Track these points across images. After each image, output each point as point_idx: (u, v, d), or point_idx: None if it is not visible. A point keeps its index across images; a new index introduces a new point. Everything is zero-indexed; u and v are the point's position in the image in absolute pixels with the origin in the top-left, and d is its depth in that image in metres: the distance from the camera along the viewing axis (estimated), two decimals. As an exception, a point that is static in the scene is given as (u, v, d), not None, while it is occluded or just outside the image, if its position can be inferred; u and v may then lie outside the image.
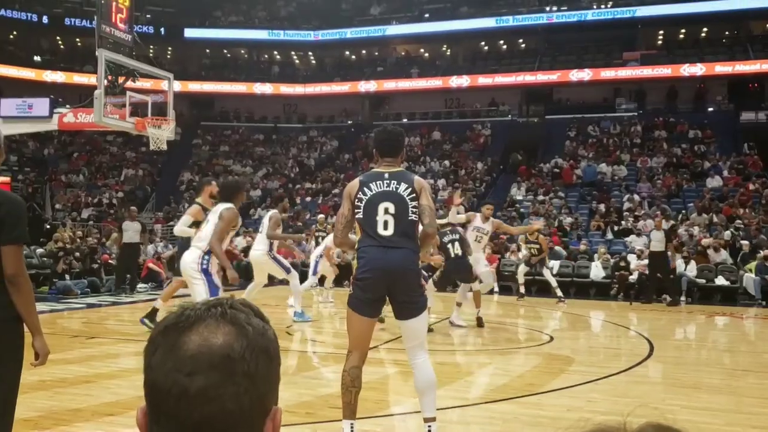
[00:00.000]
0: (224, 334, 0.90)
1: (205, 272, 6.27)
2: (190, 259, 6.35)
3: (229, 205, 6.41)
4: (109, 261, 16.14)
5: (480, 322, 10.04)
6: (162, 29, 32.68)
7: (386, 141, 4.43)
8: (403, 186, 4.19)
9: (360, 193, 4.22)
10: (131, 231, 14.71)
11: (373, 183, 4.24)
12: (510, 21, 30.89)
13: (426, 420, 4.23)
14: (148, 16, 31.74)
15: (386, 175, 4.26)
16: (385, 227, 4.14)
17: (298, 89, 33.47)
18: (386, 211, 4.13)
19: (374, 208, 4.16)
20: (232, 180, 7.72)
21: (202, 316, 0.91)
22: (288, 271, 10.00)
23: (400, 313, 4.19)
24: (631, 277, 15.56)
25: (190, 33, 33.44)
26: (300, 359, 6.92)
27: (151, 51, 32.52)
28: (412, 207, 4.16)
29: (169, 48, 35.12)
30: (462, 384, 6.26)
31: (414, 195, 4.17)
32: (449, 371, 6.71)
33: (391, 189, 4.19)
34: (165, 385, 0.87)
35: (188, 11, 33.99)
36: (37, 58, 32.32)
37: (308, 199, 25.55)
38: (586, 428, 0.79)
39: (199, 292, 6.18)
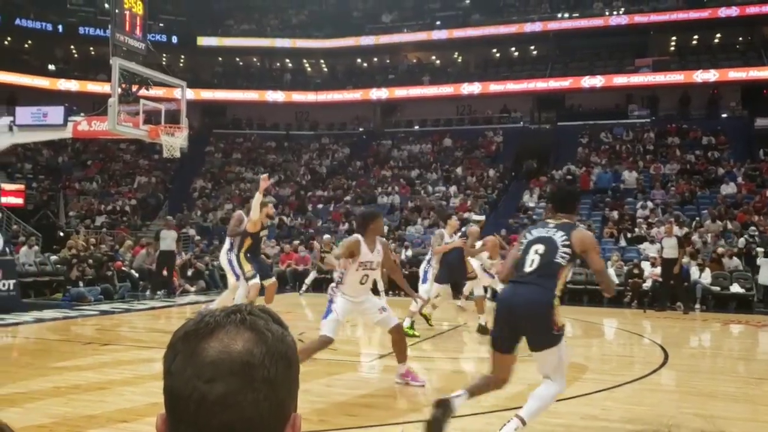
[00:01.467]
0: (244, 341, 0.89)
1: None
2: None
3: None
4: (122, 268, 16.26)
5: (484, 330, 9.90)
6: (175, 38, 32.93)
7: (563, 198, 4.77)
8: (560, 233, 4.42)
9: (523, 237, 4.60)
10: (168, 239, 15.51)
11: (536, 229, 4.55)
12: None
13: (517, 415, 4.52)
14: (161, 24, 31.99)
15: (551, 224, 4.53)
16: (531, 265, 4.38)
17: (309, 97, 33.61)
18: (536, 251, 4.39)
19: (528, 249, 4.43)
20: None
21: (221, 322, 0.91)
22: (238, 278, 9.56)
23: (529, 343, 4.50)
24: (644, 284, 15.45)
25: (202, 41, 33.69)
26: (313, 366, 6.90)
27: (164, 59, 32.76)
28: (563, 252, 4.35)
29: (182, 56, 35.37)
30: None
31: (568, 242, 4.37)
32: (462, 379, 6.68)
33: (548, 235, 4.44)
34: (184, 392, 0.87)
35: (201, 20, 34.24)
36: (51, 67, 32.62)
37: (320, 206, 25.59)
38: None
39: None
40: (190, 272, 17.18)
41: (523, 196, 23.63)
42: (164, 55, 32.87)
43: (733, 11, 27.95)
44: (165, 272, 15.70)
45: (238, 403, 0.86)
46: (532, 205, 22.74)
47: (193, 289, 16.42)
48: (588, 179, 23.56)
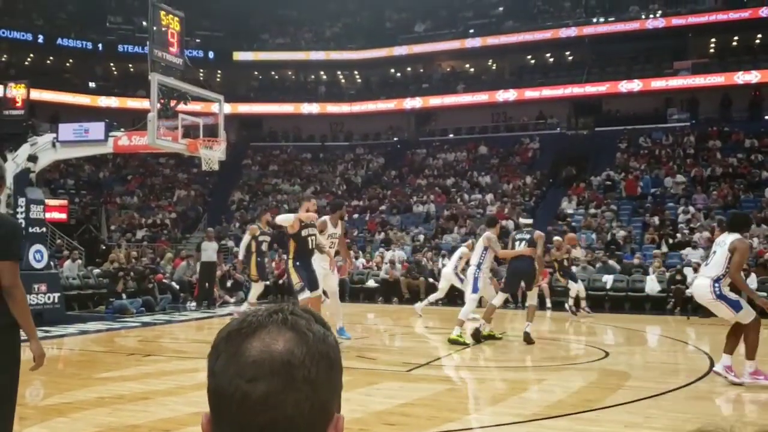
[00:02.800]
0: (285, 341, 0.90)
1: None
2: None
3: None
4: (163, 280, 16.53)
5: (528, 338, 9.77)
6: (211, 53, 33.50)
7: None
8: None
9: None
10: (210, 250, 15.94)
11: None
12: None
13: None
14: (198, 40, 32.57)
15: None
16: None
17: (344, 108, 33.84)
18: None
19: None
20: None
21: (263, 322, 0.92)
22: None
23: None
24: (688, 291, 15.09)
25: (238, 56, 34.20)
26: (352, 375, 6.90)
27: (201, 74, 33.37)
28: None
29: (219, 71, 35.94)
30: (517, 400, 6.15)
31: None
32: (504, 387, 6.60)
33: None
34: (228, 391, 0.88)
35: (237, 35, 34.78)
36: (92, 85, 33.43)
37: (355, 216, 25.67)
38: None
39: None
40: (229, 283, 17.37)
41: (561, 203, 23.35)
42: (201, 70, 33.46)
43: (774, 10, 27.32)
44: (206, 284, 15.95)
45: (279, 402, 0.87)
46: (570, 211, 22.46)
47: (232, 300, 16.59)
48: (634, 185, 23.15)
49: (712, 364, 8.08)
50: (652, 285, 15.81)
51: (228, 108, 25.16)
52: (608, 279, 16.18)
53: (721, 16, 28.24)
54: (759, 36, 29.85)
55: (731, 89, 27.85)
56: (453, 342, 9.48)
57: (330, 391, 0.92)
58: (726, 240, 6.78)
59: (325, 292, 9.38)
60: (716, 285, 6.72)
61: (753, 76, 27.03)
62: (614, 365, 8.20)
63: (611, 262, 16.97)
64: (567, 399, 6.28)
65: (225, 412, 0.89)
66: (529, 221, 10.57)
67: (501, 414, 5.51)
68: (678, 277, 15.47)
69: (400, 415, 5.44)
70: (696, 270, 15.40)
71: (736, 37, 30.25)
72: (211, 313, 14.72)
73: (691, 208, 20.36)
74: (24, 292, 3.37)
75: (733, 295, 6.79)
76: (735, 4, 28.42)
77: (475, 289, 9.91)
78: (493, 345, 10.25)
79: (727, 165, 23.52)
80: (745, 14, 27.88)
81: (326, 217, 9.29)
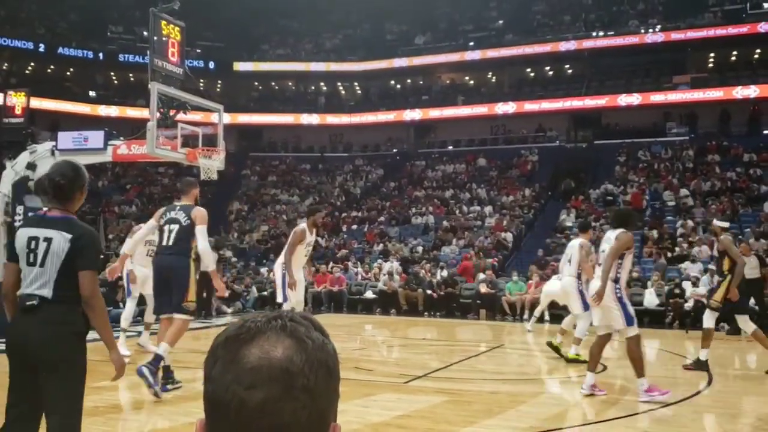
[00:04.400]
0: (284, 348, 0.89)
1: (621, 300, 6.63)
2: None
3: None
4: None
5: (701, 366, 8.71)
6: (212, 63, 33.64)
7: None
8: None
9: None
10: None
11: None
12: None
13: None
14: (199, 50, 32.69)
15: None
16: None
17: (344, 119, 33.96)
18: None
19: None
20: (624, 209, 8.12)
21: (262, 328, 0.91)
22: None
23: None
24: (686, 304, 15.08)
25: (238, 66, 34.34)
26: (349, 386, 6.86)
27: (201, 84, 33.43)
28: None
29: (219, 81, 36.07)
30: (514, 413, 6.12)
31: None
32: (501, 400, 6.58)
33: None
34: (224, 398, 0.87)
35: (237, 45, 34.93)
36: (92, 93, 33.51)
37: (354, 227, 25.66)
38: None
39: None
40: (227, 294, 17.30)
41: (560, 216, 23.35)
42: (201, 80, 33.53)
43: (773, 26, 27.48)
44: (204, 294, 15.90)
45: (277, 410, 0.85)
46: (569, 224, 22.45)
47: (229, 310, 16.56)
48: (640, 198, 23.16)
49: (710, 378, 8.07)
50: (650, 298, 15.78)
51: (228, 118, 25.18)
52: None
53: (720, 31, 28.41)
54: (758, 51, 30.01)
55: (730, 104, 27.96)
56: (572, 361, 9.11)
57: (328, 400, 0.91)
58: (611, 236, 6.76)
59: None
60: (617, 287, 6.62)
61: (752, 91, 27.15)
62: (613, 378, 8.16)
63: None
64: (564, 412, 6.26)
65: (221, 419, 0.87)
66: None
67: (498, 427, 5.49)
68: (676, 291, 15.45)
69: (396, 427, 5.41)
70: (695, 284, 15.43)
71: (735, 52, 30.42)
72: (208, 323, 14.67)
73: (690, 222, 20.36)
74: (104, 303, 3.38)
75: (629, 306, 6.68)
76: (734, 19, 28.60)
77: (586, 307, 8.92)
78: (494, 358, 10.21)
79: (726, 179, 23.56)
80: (743, 29, 28.05)
81: (304, 225, 8.76)
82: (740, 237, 18.97)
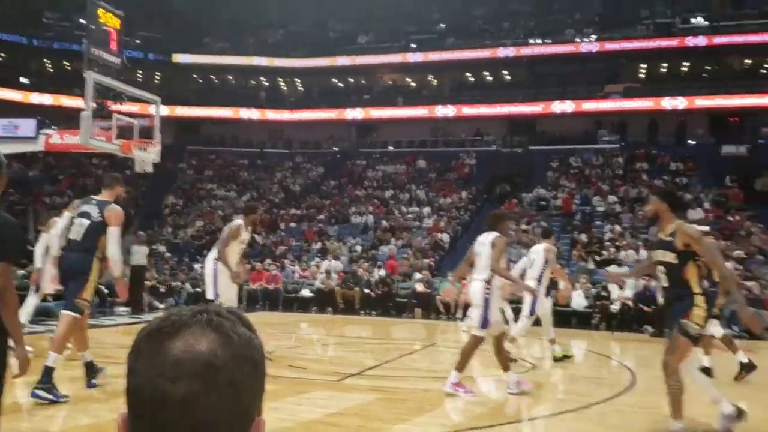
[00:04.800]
0: (208, 342, 0.88)
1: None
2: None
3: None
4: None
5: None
6: (151, 54, 32.88)
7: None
8: None
9: None
10: (139, 254, 15.65)
11: None
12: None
13: None
14: (138, 41, 31.90)
15: None
16: None
17: (285, 115, 33.72)
18: None
19: None
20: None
21: (187, 322, 0.90)
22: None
23: None
24: (612, 306, 15.63)
25: (178, 58, 33.68)
26: (282, 384, 6.88)
27: (139, 75, 32.62)
28: None
29: (158, 73, 35.25)
30: (444, 411, 6.26)
31: None
32: (433, 397, 6.70)
33: None
34: (147, 392, 0.86)
35: (178, 37, 34.22)
36: (24, 80, 32.26)
37: (292, 224, 25.53)
38: None
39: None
40: (163, 289, 17.07)
41: (495, 218, 23.79)
42: (139, 71, 32.72)
43: (701, 41, 28.71)
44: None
45: (200, 404, 0.85)
46: (503, 226, 22.93)
47: (162, 306, 16.27)
48: (570, 202, 23.82)
49: (634, 379, 8.41)
50: (578, 300, 16.25)
51: (165, 110, 24.70)
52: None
53: (652, 44, 29.50)
54: (686, 64, 31.32)
55: (659, 114, 29.08)
56: (559, 360, 9.45)
57: (253, 395, 0.91)
58: (486, 240, 6.92)
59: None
60: (487, 288, 6.78)
61: (679, 102, 28.30)
62: (540, 377, 8.41)
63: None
64: (492, 410, 6.42)
65: (143, 413, 0.86)
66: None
67: (428, 424, 5.59)
68: (603, 294, 15.98)
69: (328, 424, 5.46)
70: (622, 287, 16.03)
71: (665, 64, 31.65)
72: (138, 318, 14.37)
73: (618, 227, 21.08)
74: (16, 297, 3.22)
75: (492, 311, 6.83)
76: (665, 32, 29.76)
77: (532, 312, 9.33)
78: (428, 356, 10.37)
79: (653, 187, 24.47)
80: (673, 42, 29.22)
81: (240, 222, 8.44)
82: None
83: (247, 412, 0.90)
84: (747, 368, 8.51)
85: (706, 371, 8.28)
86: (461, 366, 6.68)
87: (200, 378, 0.85)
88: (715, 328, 8.72)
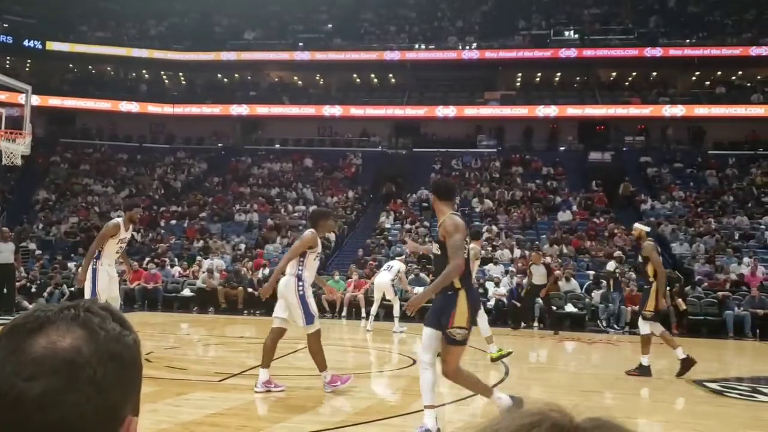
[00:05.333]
0: (73, 338, 0.85)
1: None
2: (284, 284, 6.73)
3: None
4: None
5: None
6: (22, 40, 30.86)
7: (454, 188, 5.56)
8: None
9: (467, 237, 5.11)
10: (6, 252, 14.67)
11: None
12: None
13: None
14: (6, 25, 29.89)
15: None
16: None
17: (166, 109, 32.64)
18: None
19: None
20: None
21: (52, 318, 0.87)
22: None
23: None
24: (488, 303, 16.36)
25: (53, 46, 31.78)
26: (160, 386, 6.77)
27: (8, 62, 30.57)
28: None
29: (29, 60, 33.17)
30: (327, 408, 6.38)
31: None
32: (316, 395, 6.80)
33: None
34: (2, 390, 0.81)
35: (52, 24, 32.34)
36: None
37: (173, 222, 24.81)
38: (534, 405, 0.78)
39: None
40: (34, 288, 16.19)
41: (380, 218, 24.27)
42: (9, 57, 30.69)
43: (572, 53, 30.51)
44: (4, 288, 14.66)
45: (58, 403, 0.81)
46: (388, 226, 23.42)
47: (31, 306, 15.38)
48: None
49: (507, 371, 8.90)
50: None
51: (37, 100, 23.35)
52: (419, 290, 17.04)
53: (528, 54, 31.01)
54: (558, 74, 33.18)
55: (533, 121, 30.61)
56: (497, 359, 9.32)
57: (120, 394, 0.87)
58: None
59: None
60: (300, 284, 6.77)
61: (552, 110, 29.95)
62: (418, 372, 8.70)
63: (422, 274, 17.92)
64: (375, 405, 6.60)
65: None
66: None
67: (310, 422, 5.67)
68: (480, 291, 16.68)
69: (209, 425, 5.45)
70: (497, 284, 16.84)
71: (539, 74, 33.35)
72: (7, 319, 13.53)
73: (495, 228, 22.05)
74: None
75: (310, 304, 6.82)
76: (540, 43, 31.39)
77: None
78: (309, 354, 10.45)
79: (527, 189, 25.79)
80: (547, 53, 30.87)
81: (119, 220, 8.22)
82: (536, 243, 20.93)
83: (113, 411, 0.86)
84: (686, 363, 8.63)
85: (645, 370, 8.74)
86: (322, 365, 6.74)
87: (59, 376, 0.82)
88: (655, 326, 8.93)
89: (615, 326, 16.02)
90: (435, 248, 5.18)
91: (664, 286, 8.79)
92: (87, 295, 8.08)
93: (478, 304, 5.28)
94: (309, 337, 6.77)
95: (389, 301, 13.89)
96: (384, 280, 13.70)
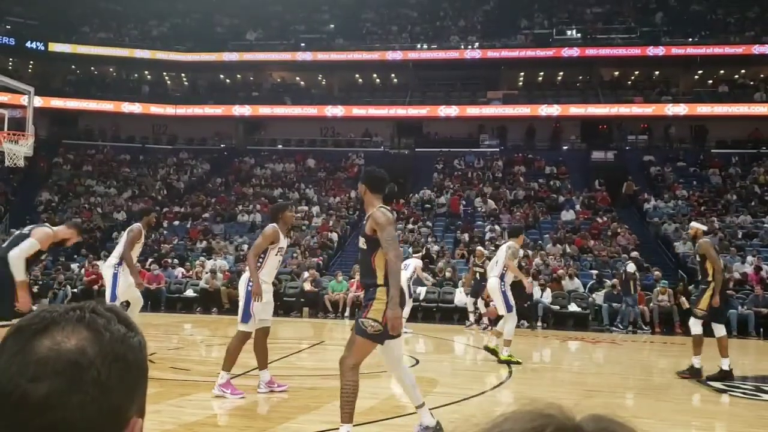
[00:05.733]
0: (78, 339, 0.85)
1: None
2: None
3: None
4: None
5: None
6: (24, 41, 30.92)
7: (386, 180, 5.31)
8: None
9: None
10: None
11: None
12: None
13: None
14: (8, 27, 29.93)
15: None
16: None
17: (168, 110, 32.65)
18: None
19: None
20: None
21: (57, 319, 0.87)
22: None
23: None
24: (492, 303, 16.32)
25: (55, 47, 31.82)
26: (164, 387, 6.78)
27: (10, 63, 30.63)
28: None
29: (32, 62, 33.23)
30: (331, 408, 6.37)
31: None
32: (320, 395, 6.80)
33: None
34: (6, 390, 0.82)
35: (54, 25, 32.39)
36: None
37: (176, 222, 24.83)
38: (534, 407, 0.77)
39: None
40: (36, 289, 16.21)
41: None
42: (11, 59, 30.75)
43: (575, 52, 30.47)
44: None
45: (61, 404, 0.82)
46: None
47: (34, 307, 15.43)
48: (457, 203, 24.57)
49: (510, 371, 8.89)
50: (460, 297, 16.89)
51: (39, 101, 23.41)
52: (421, 290, 17.07)
53: (530, 53, 30.97)
54: (561, 73, 33.14)
55: (536, 120, 30.57)
56: (505, 362, 9.17)
57: (125, 395, 0.87)
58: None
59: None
60: (250, 282, 6.63)
61: (554, 109, 29.90)
62: (424, 372, 8.69)
63: (425, 274, 17.90)
64: (378, 405, 6.58)
65: (1, 414, 0.82)
66: None
67: (314, 422, 5.67)
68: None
69: (212, 425, 5.46)
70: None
71: (541, 73, 33.31)
72: (7, 324, 13.56)
73: (497, 227, 22.03)
74: None
75: (252, 304, 6.61)
76: (542, 43, 31.33)
77: (509, 308, 9.29)
78: (315, 354, 10.48)
79: (530, 189, 25.77)
80: (549, 53, 30.82)
81: (140, 225, 8.50)
82: (539, 242, 20.92)
83: (117, 412, 0.87)
84: (693, 372, 8.56)
85: (696, 372, 8.51)
86: (228, 366, 6.55)
87: (63, 377, 0.83)
88: (696, 325, 8.70)
89: (643, 326, 15.89)
90: (361, 242, 4.95)
91: (720, 284, 8.52)
92: (107, 298, 8.21)
93: (402, 304, 4.83)
94: (237, 335, 6.55)
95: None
96: (401, 279, 13.68)
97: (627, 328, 15.74)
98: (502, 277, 9.32)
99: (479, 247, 17.05)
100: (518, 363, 9.21)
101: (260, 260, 6.66)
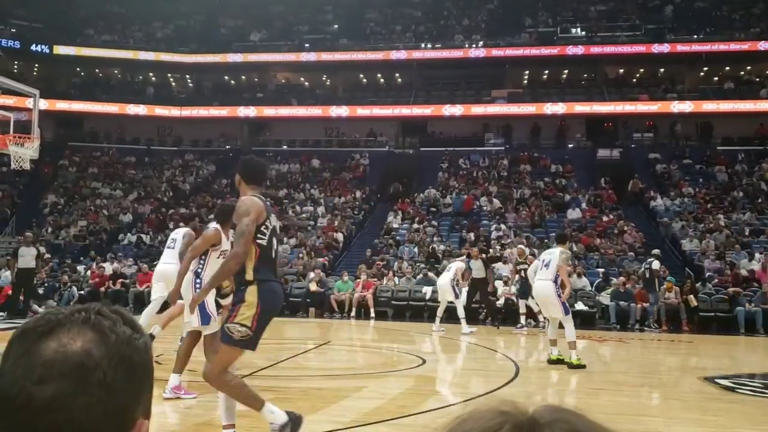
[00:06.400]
0: (84, 341, 0.85)
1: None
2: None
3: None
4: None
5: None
6: (29, 44, 31.03)
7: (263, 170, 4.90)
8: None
9: (267, 221, 4.39)
10: (28, 256, 14.71)
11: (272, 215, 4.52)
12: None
13: None
14: (13, 30, 30.04)
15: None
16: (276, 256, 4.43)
17: (174, 111, 32.72)
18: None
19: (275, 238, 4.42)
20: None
21: (63, 321, 0.87)
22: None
23: None
24: (498, 302, 16.32)
25: (59, 50, 31.92)
26: (163, 389, 6.77)
27: (15, 66, 30.76)
28: None
29: (36, 64, 33.35)
30: (337, 408, 6.38)
31: None
32: (326, 395, 6.80)
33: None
34: (11, 393, 0.82)
35: (58, 28, 32.49)
36: None
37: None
38: (489, 407, 0.77)
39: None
40: (41, 290, 16.25)
41: (387, 218, 24.26)
42: (16, 62, 30.88)
43: (579, 50, 30.41)
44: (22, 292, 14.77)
45: (67, 406, 0.82)
46: (396, 226, 23.40)
47: (41, 309, 15.47)
48: (471, 202, 24.52)
49: (517, 370, 8.87)
50: (464, 297, 16.82)
51: (44, 104, 23.48)
52: (427, 290, 17.06)
53: (534, 51, 30.93)
54: (566, 71, 33.08)
55: (541, 118, 30.51)
56: (574, 367, 8.95)
57: (131, 396, 0.87)
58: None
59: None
60: (197, 282, 6.42)
61: (560, 108, 29.84)
62: (430, 372, 8.71)
63: (431, 274, 17.90)
64: (385, 405, 6.59)
65: (6, 416, 0.82)
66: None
67: (320, 422, 5.66)
68: (489, 289, 16.63)
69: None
70: (506, 284, 16.78)
71: (546, 71, 33.26)
72: (13, 323, 13.60)
73: (503, 226, 22.00)
74: None
75: (209, 306, 6.37)
76: (547, 41, 31.28)
77: (567, 311, 9.18)
78: (321, 355, 10.47)
79: (535, 187, 25.72)
80: (554, 51, 30.78)
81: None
82: (546, 241, 20.86)
83: (124, 413, 0.87)
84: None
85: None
86: (179, 368, 6.44)
87: (69, 379, 0.82)
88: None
89: (652, 325, 15.85)
90: (232, 236, 4.54)
91: None
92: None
93: (276, 305, 4.37)
94: (205, 338, 6.26)
95: (453, 303, 13.84)
96: (444, 281, 13.89)
97: (659, 327, 15.58)
98: (555, 281, 9.14)
99: (520, 245, 16.72)
100: (584, 366, 9.01)
101: (201, 263, 6.39)
